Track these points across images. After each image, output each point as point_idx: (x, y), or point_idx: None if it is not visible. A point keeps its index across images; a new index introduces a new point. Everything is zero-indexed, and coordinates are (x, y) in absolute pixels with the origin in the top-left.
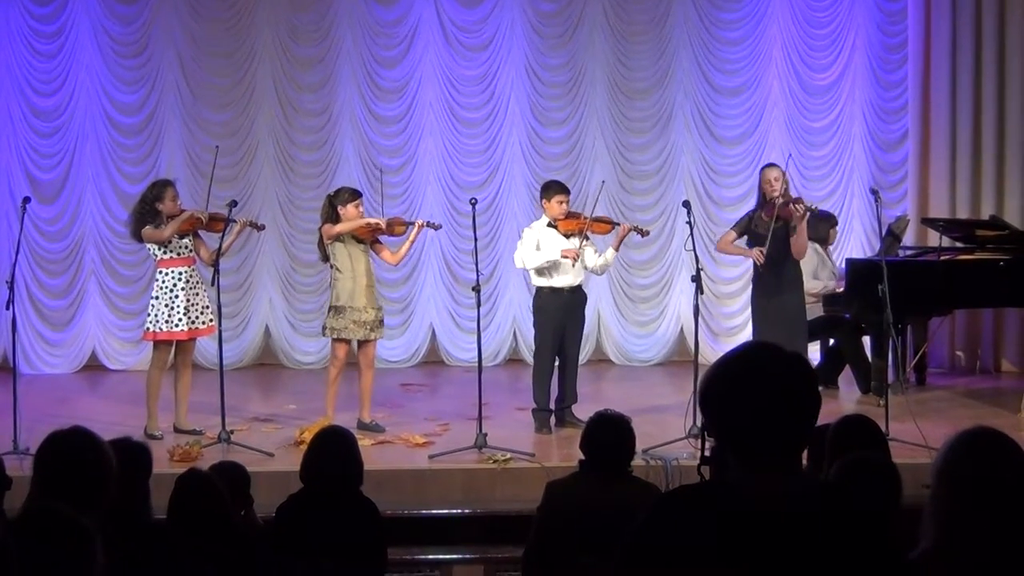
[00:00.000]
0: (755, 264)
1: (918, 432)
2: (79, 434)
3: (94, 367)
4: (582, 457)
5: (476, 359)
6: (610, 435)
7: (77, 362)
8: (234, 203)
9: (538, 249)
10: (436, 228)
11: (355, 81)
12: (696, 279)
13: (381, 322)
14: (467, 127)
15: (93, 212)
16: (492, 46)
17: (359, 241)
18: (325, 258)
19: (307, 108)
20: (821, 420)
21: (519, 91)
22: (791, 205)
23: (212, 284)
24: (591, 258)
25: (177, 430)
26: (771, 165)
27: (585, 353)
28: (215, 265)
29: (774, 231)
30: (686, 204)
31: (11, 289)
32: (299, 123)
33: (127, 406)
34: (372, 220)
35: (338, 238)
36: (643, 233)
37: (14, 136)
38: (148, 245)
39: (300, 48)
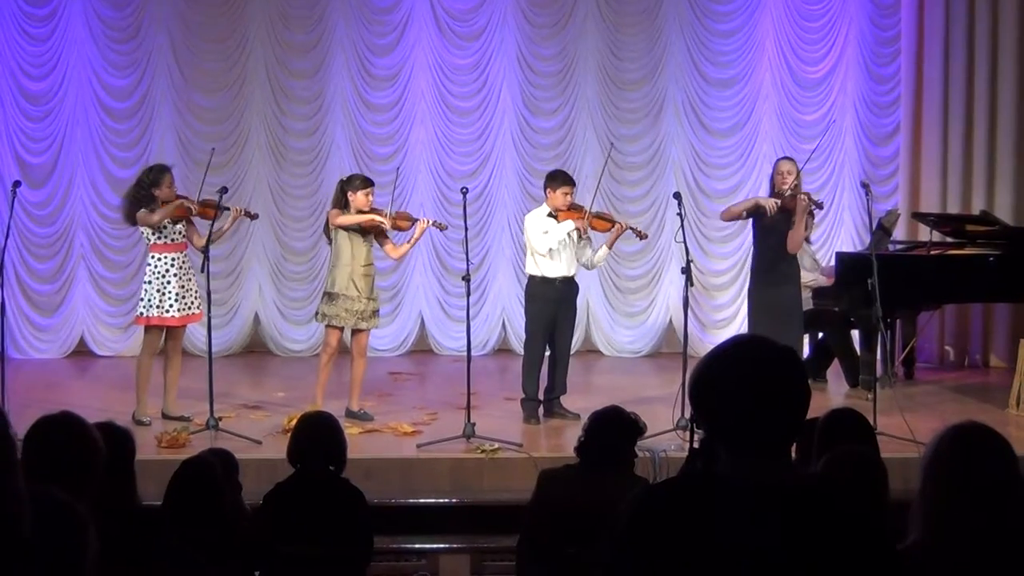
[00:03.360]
0: (754, 256)
1: (906, 426)
2: (67, 419)
3: (82, 352)
4: (579, 442)
5: (465, 348)
6: (616, 432)
7: (66, 347)
8: (224, 190)
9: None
10: (442, 229)
11: (347, 68)
12: (686, 271)
13: (375, 312)
14: (459, 116)
15: (83, 197)
16: (484, 35)
17: (363, 232)
18: (331, 241)
19: (299, 95)
20: (810, 414)
21: (511, 80)
22: (797, 196)
23: (202, 271)
24: (585, 253)
25: (165, 416)
26: (785, 158)
27: (574, 344)
28: (205, 252)
29: (777, 221)
30: (676, 196)
31: (0, 274)
32: (291, 110)
33: (116, 391)
34: (377, 219)
35: (342, 226)
36: (641, 236)
37: (4, 120)
38: (141, 228)
39: (292, 35)
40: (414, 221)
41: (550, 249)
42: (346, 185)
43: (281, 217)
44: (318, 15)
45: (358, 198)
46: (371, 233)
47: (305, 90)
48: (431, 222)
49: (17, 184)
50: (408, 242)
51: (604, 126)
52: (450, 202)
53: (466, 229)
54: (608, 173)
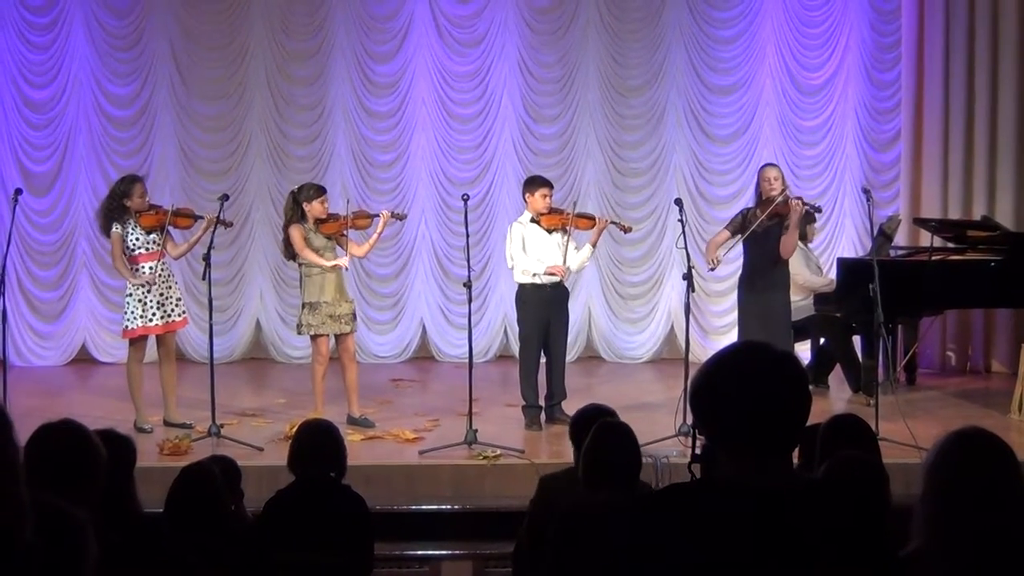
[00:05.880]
0: (744, 262)
1: (908, 432)
2: (69, 426)
3: (84, 360)
4: (576, 457)
5: (467, 355)
6: (620, 453)
7: (67, 354)
8: (225, 197)
9: (524, 247)
10: (401, 218)
11: (348, 76)
12: (687, 277)
13: (353, 315)
14: (459, 123)
15: (85, 204)
16: (485, 42)
17: (326, 237)
18: (291, 256)
19: (300, 102)
20: (811, 419)
21: (512, 87)
22: (790, 201)
23: (203, 278)
24: (574, 259)
25: (167, 423)
26: (770, 165)
27: (575, 350)
28: (206, 260)
29: (768, 228)
30: (678, 202)
31: (2, 281)
32: (291, 117)
33: (117, 399)
34: (338, 263)
35: (304, 236)
36: (625, 229)
37: (6, 127)
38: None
39: (293, 42)
40: (373, 217)
41: (520, 269)
42: (299, 195)
43: (282, 224)
44: (319, 22)
45: (315, 207)
46: (332, 238)
47: (306, 97)
48: (390, 213)
49: (19, 192)
50: (369, 240)
51: (605, 133)
52: (451, 209)
53: (467, 236)
54: (610, 180)
